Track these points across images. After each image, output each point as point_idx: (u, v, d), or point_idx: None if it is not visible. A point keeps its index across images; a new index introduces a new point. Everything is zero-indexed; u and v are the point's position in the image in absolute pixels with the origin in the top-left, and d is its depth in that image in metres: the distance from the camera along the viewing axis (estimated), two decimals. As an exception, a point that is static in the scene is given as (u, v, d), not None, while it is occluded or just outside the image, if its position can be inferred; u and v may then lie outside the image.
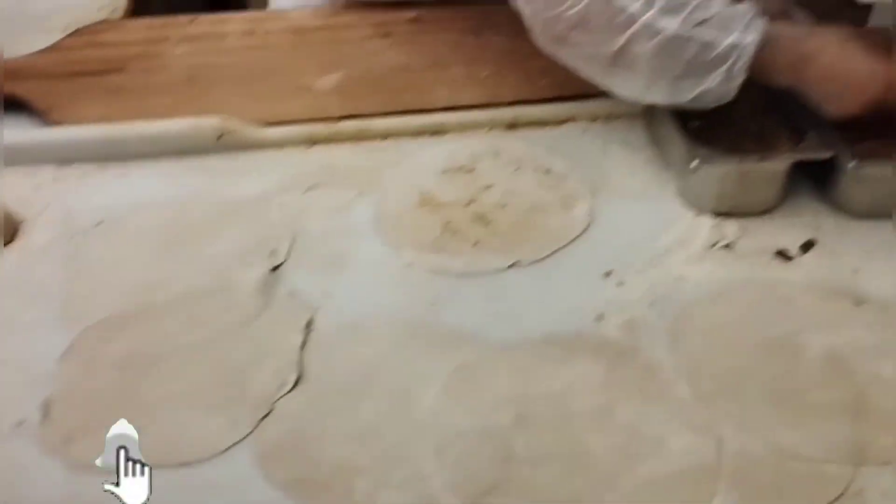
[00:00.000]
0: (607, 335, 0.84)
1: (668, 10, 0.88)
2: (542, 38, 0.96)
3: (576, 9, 0.89)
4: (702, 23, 0.89)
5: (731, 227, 0.95)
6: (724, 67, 0.91)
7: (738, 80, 0.92)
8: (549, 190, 1.01)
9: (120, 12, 1.36)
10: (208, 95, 1.14)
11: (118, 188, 1.02)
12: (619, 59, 0.91)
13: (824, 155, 0.92)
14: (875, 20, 1.11)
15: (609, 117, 1.13)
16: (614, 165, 1.05)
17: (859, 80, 0.92)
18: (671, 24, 0.88)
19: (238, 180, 1.03)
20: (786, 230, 0.95)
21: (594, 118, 1.13)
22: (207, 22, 1.29)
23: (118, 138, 1.05)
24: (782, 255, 0.92)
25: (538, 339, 0.83)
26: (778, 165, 0.94)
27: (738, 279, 0.89)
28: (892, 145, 0.95)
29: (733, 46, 0.89)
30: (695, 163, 0.92)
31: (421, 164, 1.05)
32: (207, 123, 1.06)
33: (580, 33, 0.91)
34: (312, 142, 1.08)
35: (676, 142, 0.96)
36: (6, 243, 0.93)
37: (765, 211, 0.97)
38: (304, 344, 0.83)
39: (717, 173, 0.93)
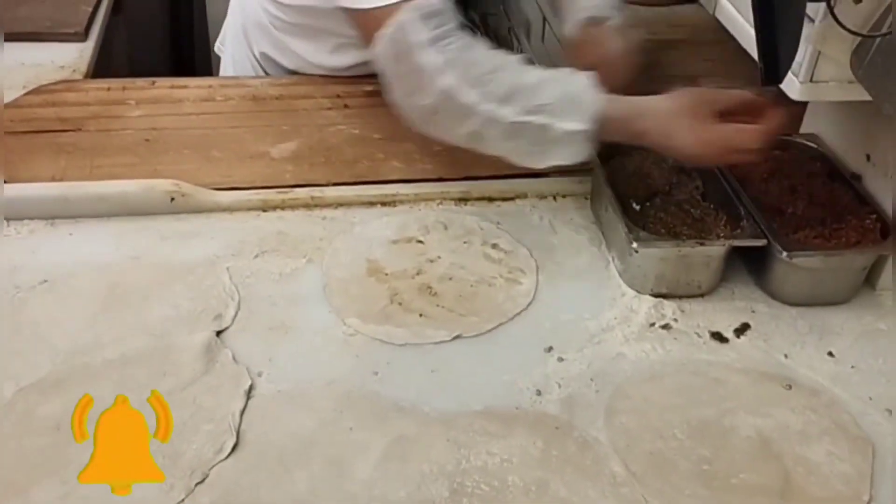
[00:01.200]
0: (546, 410, 0.85)
1: (503, 102, 0.95)
2: (410, 120, 1.02)
3: (427, 101, 0.97)
4: (536, 110, 0.96)
5: (669, 308, 0.98)
6: (565, 148, 0.98)
7: (583, 154, 0.99)
8: (495, 264, 1.03)
9: (82, 72, 1.38)
10: (164, 158, 1.15)
11: (66, 246, 1.02)
12: (474, 140, 1.00)
13: (759, 242, 0.96)
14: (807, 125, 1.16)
15: (557, 196, 1.16)
16: (560, 243, 1.08)
17: (682, 154, 0.98)
18: (508, 114, 0.95)
19: (188, 243, 1.03)
20: (722, 313, 0.98)
21: (542, 196, 1.16)
22: (167, 85, 1.31)
23: (69, 197, 1.05)
24: (718, 337, 0.95)
25: (478, 411, 0.84)
26: (714, 250, 0.97)
27: (675, 359, 0.92)
28: (825, 235, 0.99)
29: (567, 133, 0.96)
30: (634, 246, 0.95)
31: (371, 234, 1.07)
32: (160, 185, 1.07)
33: (438, 119, 0.99)
34: (265, 208, 1.10)
35: (618, 224, 0.99)
36: (-53, 298, 0.92)
37: (702, 293, 1.00)
38: (244, 409, 0.83)
39: (656, 256, 0.96)
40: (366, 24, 1.00)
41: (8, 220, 1.04)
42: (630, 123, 0.98)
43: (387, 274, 1.00)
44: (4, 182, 1.07)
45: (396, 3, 0.96)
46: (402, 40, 0.96)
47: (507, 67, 0.98)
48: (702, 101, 0.96)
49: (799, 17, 0.73)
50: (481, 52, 0.98)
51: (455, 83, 0.95)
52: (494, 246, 1.06)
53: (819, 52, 0.85)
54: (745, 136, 0.94)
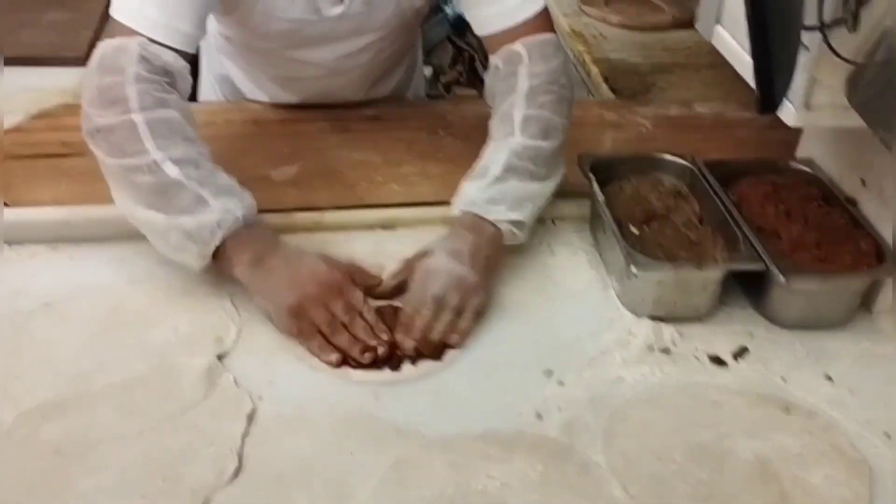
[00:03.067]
0: (546, 433, 0.85)
1: (174, 161, 0.94)
2: (83, 124, 0.99)
3: (105, 120, 0.96)
4: (200, 183, 0.95)
5: (667, 331, 0.99)
6: (188, 244, 0.94)
7: (207, 252, 0.94)
8: (494, 288, 1.03)
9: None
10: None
11: (67, 270, 1.02)
12: (123, 176, 0.97)
13: (756, 267, 0.97)
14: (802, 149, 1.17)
15: (555, 219, 1.17)
16: (558, 265, 1.09)
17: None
18: (172, 171, 0.94)
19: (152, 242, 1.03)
20: (720, 336, 0.99)
21: (542, 220, 1.16)
22: (169, 110, 1.31)
23: (70, 221, 1.06)
24: (716, 360, 0.96)
25: (478, 434, 0.85)
26: (712, 275, 0.98)
27: (673, 382, 0.92)
28: (821, 259, 1.00)
29: (225, 210, 0.94)
30: (633, 269, 0.95)
31: (371, 257, 1.07)
32: (162, 209, 1.07)
33: (103, 137, 0.97)
34: (267, 232, 1.10)
35: (616, 248, 0.99)
36: (-51, 322, 0.93)
37: (700, 316, 1.01)
38: (245, 433, 0.83)
39: (655, 280, 0.97)
40: (108, 29, 1.02)
41: (9, 243, 1.05)
42: (238, 268, 0.96)
43: (387, 297, 1.01)
44: (6, 206, 1.08)
45: (132, 29, 0.99)
46: (113, 58, 0.98)
47: (192, 144, 0.98)
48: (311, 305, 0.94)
49: (794, 46, 0.74)
50: (177, 119, 0.98)
51: (140, 122, 0.95)
52: (493, 269, 1.06)
53: (814, 80, 0.87)
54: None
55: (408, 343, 0.94)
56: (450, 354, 0.94)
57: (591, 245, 1.12)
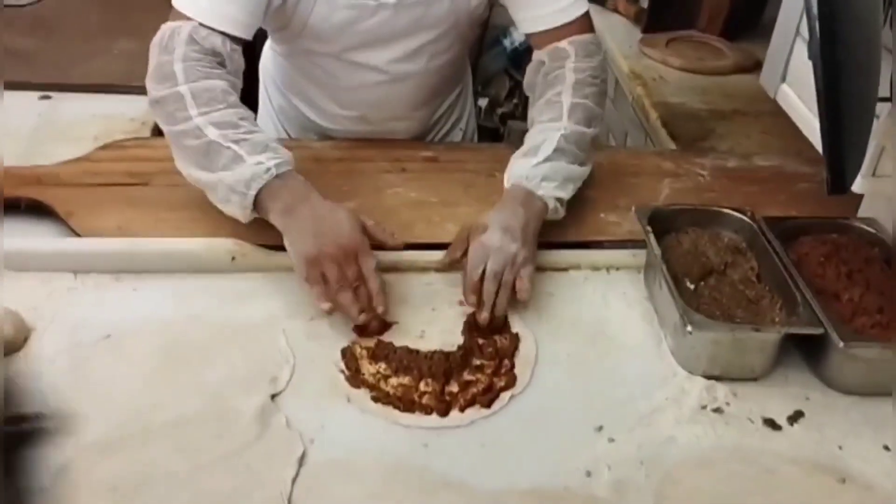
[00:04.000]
0: (595, 493, 0.85)
1: (215, 125, 1.07)
2: (148, 98, 1.13)
3: (160, 93, 1.10)
4: (237, 141, 1.06)
5: (721, 391, 0.97)
6: (243, 179, 1.04)
7: (248, 203, 1.05)
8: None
9: (150, 125, 1.42)
10: (225, 215, 1.17)
11: (129, 302, 1.05)
12: (177, 142, 1.09)
13: (815, 331, 0.95)
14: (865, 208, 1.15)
15: (610, 268, 1.16)
16: (612, 317, 1.08)
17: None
18: (213, 133, 1.06)
19: (246, 303, 1.06)
20: (775, 399, 0.97)
21: (596, 268, 1.16)
22: (232, 143, 1.34)
23: (134, 253, 1.08)
24: (770, 423, 0.94)
25: (526, 490, 0.85)
26: (770, 337, 0.97)
27: (726, 445, 0.91)
28: (883, 324, 0.98)
29: (258, 163, 1.04)
30: (689, 328, 0.94)
31: (421, 299, 1.08)
32: (221, 245, 1.09)
33: (160, 109, 1.10)
34: (322, 270, 1.11)
35: (671, 303, 0.99)
36: (16, 350, 0.95)
37: (755, 377, 0.99)
38: (295, 477, 0.84)
39: (710, 339, 0.96)
40: (171, 16, 1.15)
41: (76, 273, 1.07)
42: (272, 214, 1.05)
43: (439, 343, 1.01)
44: (76, 234, 1.12)
45: (185, 16, 1.12)
46: (168, 39, 1.11)
47: (233, 108, 1.09)
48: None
49: (868, 129, 0.73)
50: (219, 86, 1.10)
51: (186, 92, 1.08)
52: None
53: (882, 148, 0.86)
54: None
55: (483, 314, 1.02)
56: (498, 402, 0.94)
57: (645, 297, 1.11)
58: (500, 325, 1.04)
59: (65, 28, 1.73)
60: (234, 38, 1.13)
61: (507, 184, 1.16)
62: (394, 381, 0.95)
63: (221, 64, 1.13)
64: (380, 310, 1.02)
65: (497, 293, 1.03)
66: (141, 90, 1.50)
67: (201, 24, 1.11)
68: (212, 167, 1.05)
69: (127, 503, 0.80)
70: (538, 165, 1.14)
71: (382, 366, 0.97)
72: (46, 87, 1.51)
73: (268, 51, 1.46)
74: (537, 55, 1.27)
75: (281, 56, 1.39)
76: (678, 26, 2.02)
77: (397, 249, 1.10)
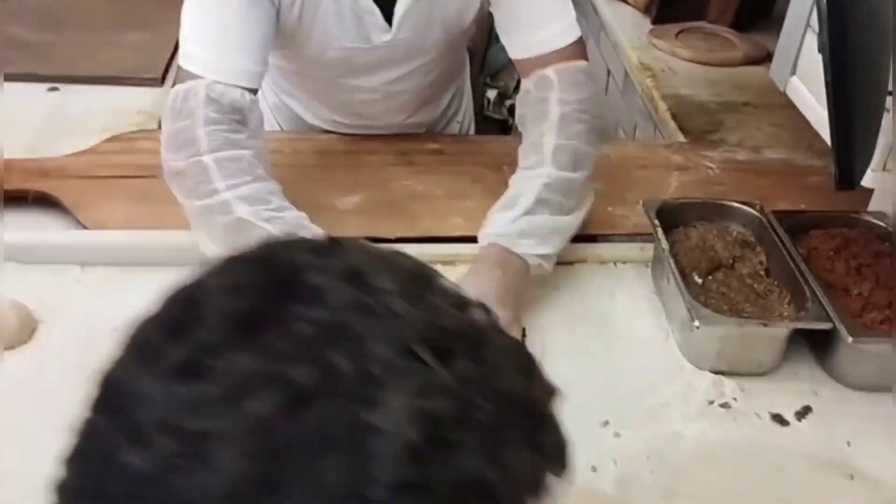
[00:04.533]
0: (601, 488, 0.84)
1: (243, 200, 0.99)
2: (163, 165, 1.05)
3: (179, 163, 1.01)
4: (269, 220, 0.98)
5: (729, 386, 0.97)
6: None
7: None
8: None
9: (157, 117, 1.42)
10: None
11: (137, 294, 1.02)
12: (200, 216, 1.01)
13: (824, 326, 0.95)
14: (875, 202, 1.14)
15: (617, 262, 1.16)
16: (619, 312, 1.08)
17: None
18: (243, 211, 0.98)
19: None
20: (783, 394, 0.97)
21: (603, 261, 1.16)
22: (239, 136, 1.34)
23: (142, 245, 1.08)
24: (778, 419, 0.94)
25: (532, 485, 0.84)
26: (778, 332, 0.96)
27: (734, 441, 0.91)
28: (892, 319, 0.98)
29: None
30: (696, 323, 0.94)
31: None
32: (229, 238, 1.09)
33: (179, 181, 1.02)
34: (328, 262, 1.11)
35: (679, 298, 0.98)
36: (23, 343, 0.95)
37: (763, 372, 0.99)
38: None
39: (718, 334, 0.96)
40: (178, 79, 1.08)
41: (83, 265, 1.07)
42: None
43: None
44: (83, 227, 1.12)
45: (195, 75, 1.04)
46: (182, 102, 1.03)
47: (262, 182, 1.02)
48: None
49: (877, 125, 0.73)
50: (246, 157, 1.02)
51: (210, 162, 1.00)
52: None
53: (893, 142, 0.85)
54: None
55: None
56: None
57: (652, 291, 1.11)
58: None
59: (73, 19, 1.72)
60: (249, 90, 1.06)
61: (482, 241, 1.06)
62: None
63: (241, 122, 1.05)
64: None
65: None
66: (149, 82, 1.53)
67: (216, 82, 1.03)
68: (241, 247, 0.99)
69: (133, 496, 0.80)
70: (517, 220, 1.05)
71: None
72: (54, 79, 1.51)
73: None
74: (524, 84, 1.18)
75: (273, 66, 1.34)
76: (688, 17, 2.00)
77: None
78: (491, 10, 1.19)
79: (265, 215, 0.98)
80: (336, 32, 1.15)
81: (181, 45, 1.07)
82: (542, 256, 1.05)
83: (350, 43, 1.16)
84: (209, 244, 1.01)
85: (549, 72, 1.14)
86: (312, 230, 1.00)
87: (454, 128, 1.53)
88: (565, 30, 1.15)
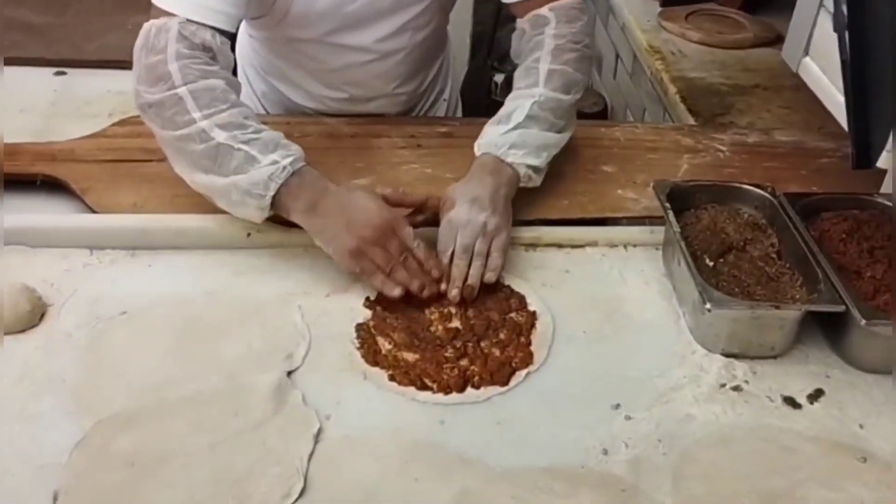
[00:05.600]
0: (612, 471, 0.84)
1: (221, 126, 1.02)
2: (134, 101, 1.07)
3: (154, 96, 1.04)
4: (247, 142, 1.02)
5: (740, 369, 0.97)
6: (261, 181, 1.00)
7: (265, 204, 1.01)
8: (563, 315, 1.03)
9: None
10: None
11: (145, 277, 1.05)
12: (178, 146, 1.04)
13: (836, 308, 0.94)
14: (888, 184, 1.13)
15: (627, 245, 1.15)
16: (630, 295, 1.07)
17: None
18: (220, 136, 1.01)
19: (262, 279, 1.05)
20: (795, 377, 0.96)
21: (613, 244, 1.15)
22: (247, 119, 1.33)
23: (149, 229, 1.08)
24: (790, 402, 0.93)
25: (543, 468, 0.84)
26: (790, 314, 0.96)
27: (745, 423, 0.90)
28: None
29: (273, 162, 1.01)
30: (707, 306, 0.93)
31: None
32: (236, 221, 1.09)
33: (155, 113, 1.04)
34: (337, 246, 1.11)
35: (690, 281, 0.98)
36: (33, 326, 0.95)
37: (775, 355, 0.98)
38: (311, 454, 0.84)
39: (730, 317, 0.95)
40: (152, 14, 1.09)
41: (91, 248, 1.07)
42: (295, 214, 1.03)
43: (455, 320, 1.01)
44: (92, 210, 1.12)
45: (167, 12, 1.06)
46: (154, 38, 1.05)
47: (236, 107, 1.05)
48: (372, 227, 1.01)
49: (893, 105, 0.72)
50: (220, 85, 1.05)
51: (185, 94, 1.02)
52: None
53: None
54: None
55: (453, 293, 1.01)
56: (514, 379, 0.94)
57: (663, 274, 1.10)
58: (472, 299, 1.02)
59: (79, 3, 1.72)
60: (222, 32, 1.09)
61: (476, 151, 1.15)
62: (409, 355, 0.95)
63: (213, 59, 1.08)
64: (435, 274, 1.02)
65: (470, 267, 1.03)
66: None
67: (188, 20, 1.05)
68: (222, 171, 1.01)
69: (144, 478, 0.80)
70: (507, 133, 1.13)
71: (396, 338, 0.97)
72: (61, 62, 1.51)
73: (244, 36, 1.43)
74: (519, 24, 1.25)
75: (259, 42, 1.36)
76: (697, -1, 1.99)
77: (421, 205, 1.09)
78: None
79: (243, 138, 1.02)
80: None
81: None
82: (530, 167, 1.13)
83: None
84: (185, 170, 1.05)
85: (544, 10, 1.22)
86: (291, 148, 1.04)
87: (441, 106, 1.54)
88: None
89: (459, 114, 1.61)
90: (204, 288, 1.03)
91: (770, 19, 1.89)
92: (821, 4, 1.01)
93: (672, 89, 1.62)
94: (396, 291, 0.99)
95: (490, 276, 1.03)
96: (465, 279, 1.02)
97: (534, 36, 1.21)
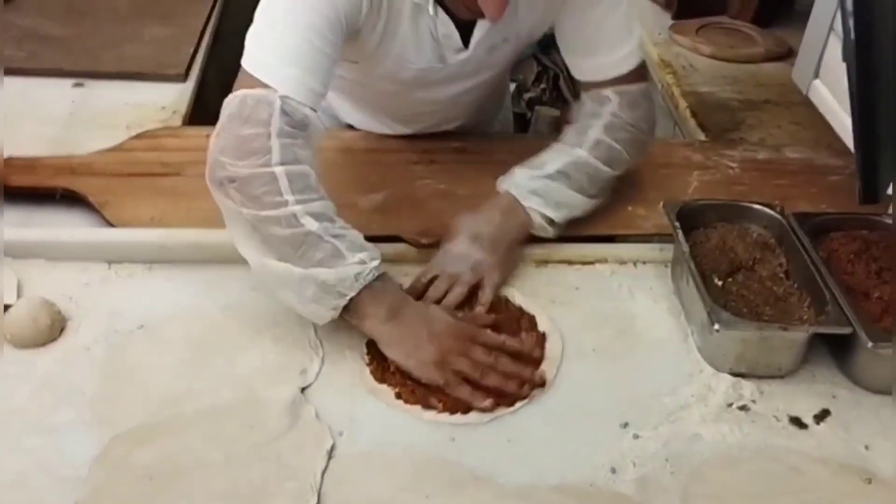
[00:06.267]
0: (620, 490, 0.85)
1: (313, 215, 0.95)
2: (208, 172, 0.99)
3: (243, 170, 0.96)
4: (337, 236, 0.96)
5: (748, 388, 0.98)
6: (347, 279, 0.95)
7: (342, 304, 0.95)
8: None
9: (181, 112, 1.44)
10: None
11: (163, 291, 1.06)
12: (256, 228, 0.96)
13: (844, 330, 0.95)
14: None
15: (637, 262, 1.16)
16: (639, 312, 1.08)
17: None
18: (311, 224, 0.95)
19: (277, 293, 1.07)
20: (801, 397, 0.97)
21: (622, 261, 1.16)
22: (262, 132, 1.35)
23: (167, 243, 1.10)
24: (796, 422, 0.94)
25: (553, 486, 0.86)
26: (798, 335, 0.97)
27: (752, 443, 0.91)
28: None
29: (361, 262, 0.95)
30: (716, 327, 0.95)
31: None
32: (253, 236, 1.10)
33: (238, 188, 0.96)
34: (351, 260, 1.12)
35: (699, 300, 0.99)
36: (53, 339, 0.97)
37: (782, 375, 0.99)
38: (325, 469, 0.85)
39: (738, 337, 0.96)
40: (239, 80, 1.02)
41: (110, 262, 1.09)
42: (371, 320, 0.98)
43: (467, 336, 1.02)
44: (110, 224, 1.13)
45: (266, 85, 0.99)
46: (252, 110, 0.98)
47: (325, 200, 0.99)
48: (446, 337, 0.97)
49: (901, 140, 0.73)
50: (312, 175, 0.99)
51: (281, 174, 0.96)
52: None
53: (916, 149, 0.85)
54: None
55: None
56: (519, 404, 0.94)
57: (672, 292, 1.11)
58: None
59: (96, 13, 1.74)
60: (313, 110, 1.03)
61: (498, 187, 1.14)
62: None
63: (308, 140, 1.01)
64: (527, 374, 0.96)
65: (449, 290, 1.03)
66: (172, 78, 1.54)
67: (289, 97, 0.99)
68: (303, 262, 0.94)
69: (162, 492, 0.82)
70: (534, 179, 1.13)
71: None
72: (78, 74, 1.52)
73: None
74: (583, 96, 1.23)
75: (340, 76, 1.31)
76: (709, 12, 1.99)
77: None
78: (554, 28, 1.21)
79: (333, 231, 0.97)
80: (413, 56, 1.16)
81: (250, 46, 1.03)
82: (546, 218, 1.12)
83: (426, 64, 1.18)
84: (255, 253, 0.98)
85: (608, 91, 1.19)
86: (374, 251, 0.99)
87: (494, 126, 1.55)
88: (628, 55, 1.19)
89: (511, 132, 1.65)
90: (221, 302, 1.05)
91: (782, 33, 1.90)
92: (831, 28, 1.02)
93: (683, 104, 1.63)
94: (487, 403, 0.93)
95: (479, 310, 1.03)
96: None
97: (593, 108, 1.19)
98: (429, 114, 1.33)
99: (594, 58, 1.19)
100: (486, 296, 1.04)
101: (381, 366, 0.98)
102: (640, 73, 1.21)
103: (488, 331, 1.00)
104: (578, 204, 1.15)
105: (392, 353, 0.97)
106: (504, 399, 0.94)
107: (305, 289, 0.95)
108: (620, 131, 1.17)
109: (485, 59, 1.21)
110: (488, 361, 0.96)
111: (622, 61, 1.18)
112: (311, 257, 0.95)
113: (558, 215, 1.13)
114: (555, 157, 1.15)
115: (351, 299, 0.95)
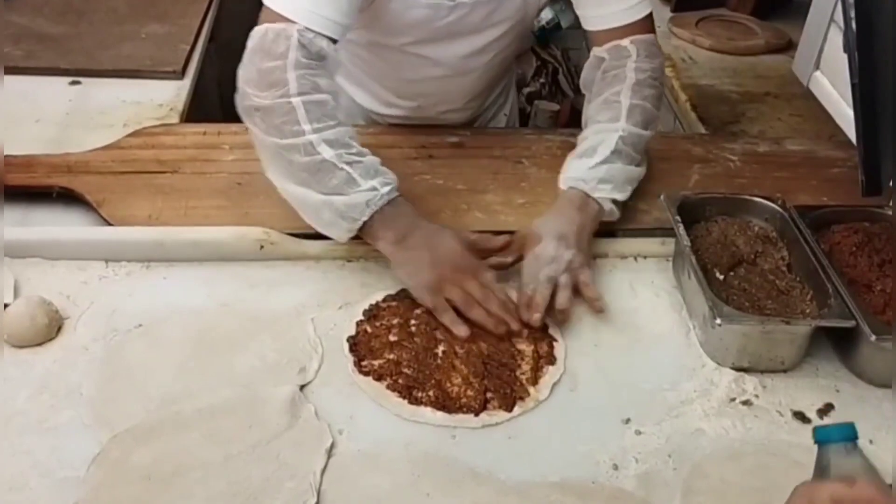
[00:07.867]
0: (622, 486, 0.85)
1: (329, 143, 1.03)
2: (238, 100, 1.07)
3: (265, 101, 1.03)
4: (351, 162, 1.03)
5: (750, 383, 0.97)
6: (358, 205, 1.02)
7: (355, 227, 1.03)
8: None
9: (178, 110, 1.43)
10: (254, 202, 1.18)
11: (161, 290, 1.06)
12: (279, 155, 1.04)
13: (847, 324, 0.94)
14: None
15: (638, 256, 1.16)
16: (640, 307, 1.08)
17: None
18: (326, 152, 1.02)
19: (275, 291, 1.06)
20: (804, 391, 0.97)
21: (623, 256, 1.16)
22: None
23: (164, 242, 1.09)
24: (800, 416, 0.94)
25: (554, 483, 0.85)
26: (800, 329, 0.96)
27: (755, 438, 0.91)
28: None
29: (372, 189, 1.02)
30: (718, 321, 0.94)
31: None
32: (251, 233, 1.10)
33: (262, 118, 1.04)
34: (349, 258, 1.12)
35: (700, 294, 0.98)
36: (50, 339, 0.97)
37: (785, 369, 0.99)
38: (324, 468, 0.85)
39: (740, 331, 0.96)
40: (263, 16, 1.08)
41: (107, 261, 1.08)
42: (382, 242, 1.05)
43: (467, 332, 1.02)
44: (107, 223, 1.13)
45: (285, 17, 1.05)
46: (272, 43, 1.05)
47: (342, 126, 1.06)
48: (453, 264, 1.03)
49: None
50: (330, 101, 1.06)
51: (298, 104, 1.03)
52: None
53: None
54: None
55: (535, 316, 1.00)
56: (518, 406, 0.93)
57: (673, 286, 1.11)
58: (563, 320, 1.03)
59: (93, 12, 1.73)
60: (334, 41, 1.09)
61: (562, 185, 1.15)
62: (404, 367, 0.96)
63: (326, 69, 1.08)
64: (514, 325, 1.00)
65: (554, 294, 1.02)
66: (169, 75, 1.53)
67: (307, 28, 1.05)
68: (320, 187, 1.03)
69: (161, 492, 0.81)
70: (596, 167, 1.14)
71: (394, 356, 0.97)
72: (75, 72, 1.52)
73: None
74: (597, 51, 1.25)
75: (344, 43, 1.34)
76: (708, 5, 1.99)
77: (505, 246, 1.08)
78: None
79: (347, 158, 1.03)
80: None
81: None
82: (614, 202, 1.14)
83: None
84: (279, 178, 1.06)
85: (626, 42, 1.22)
86: (388, 175, 1.06)
87: (501, 120, 1.55)
88: (640, 3, 1.22)
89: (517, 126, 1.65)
90: (218, 300, 1.05)
91: (782, 25, 1.89)
92: (831, 19, 1.01)
93: (683, 97, 1.63)
94: (463, 330, 0.98)
95: (599, 305, 1.04)
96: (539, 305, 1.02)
97: (614, 67, 1.21)
98: (436, 81, 1.32)
99: (607, 5, 1.21)
100: (593, 290, 1.05)
101: (360, 356, 0.97)
102: (650, 22, 1.24)
103: (491, 272, 1.03)
104: (636, 176, 1.18)
105: (398, 273, 1.05)
106: (504, 401, 0.93)
107: (322, 213, 1.04)
108: (646, 88, 1.20)
109: (494, 8, 1.22)
110: (478, 296, 1.00)
111: (635, 8, 1.21)
112: (326, 183, 1.02)
113: (625, 194, 1.16)
114: (603, 140, 1.16)
115: (364, 222, 1.02)
